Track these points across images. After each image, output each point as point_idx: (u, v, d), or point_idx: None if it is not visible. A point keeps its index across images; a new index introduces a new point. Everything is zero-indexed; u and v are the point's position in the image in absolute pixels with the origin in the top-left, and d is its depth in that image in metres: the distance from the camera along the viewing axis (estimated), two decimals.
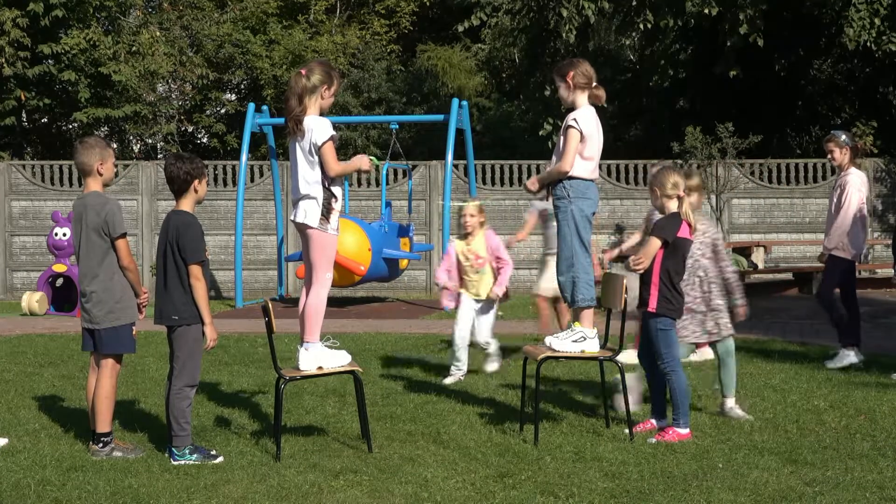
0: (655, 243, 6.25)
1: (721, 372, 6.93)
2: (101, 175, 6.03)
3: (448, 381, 8.36)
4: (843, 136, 8.93)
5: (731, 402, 6.90)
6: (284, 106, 6.13)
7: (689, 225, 6.33)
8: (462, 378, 8.40)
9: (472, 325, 8.53)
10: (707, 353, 8.62)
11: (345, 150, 22.04)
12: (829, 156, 8.95)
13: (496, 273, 8.54)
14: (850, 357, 8.70)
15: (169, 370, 6.01)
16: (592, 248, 6.49)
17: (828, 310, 8.88)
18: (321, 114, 6.10)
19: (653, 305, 6.24)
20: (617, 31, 22.22)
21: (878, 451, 5.89)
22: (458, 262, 8.55)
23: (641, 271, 6.25)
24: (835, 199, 8.86)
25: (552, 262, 7.62)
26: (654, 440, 6.16)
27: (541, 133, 18.98)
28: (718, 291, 6.82)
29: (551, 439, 6.23)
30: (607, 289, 6.60)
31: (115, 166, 6.24)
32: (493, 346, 8.67)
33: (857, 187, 8.74)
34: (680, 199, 6.34)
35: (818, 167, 18.14)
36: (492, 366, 8.77)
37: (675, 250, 6.28)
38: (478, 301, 8.56)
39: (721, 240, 7.02)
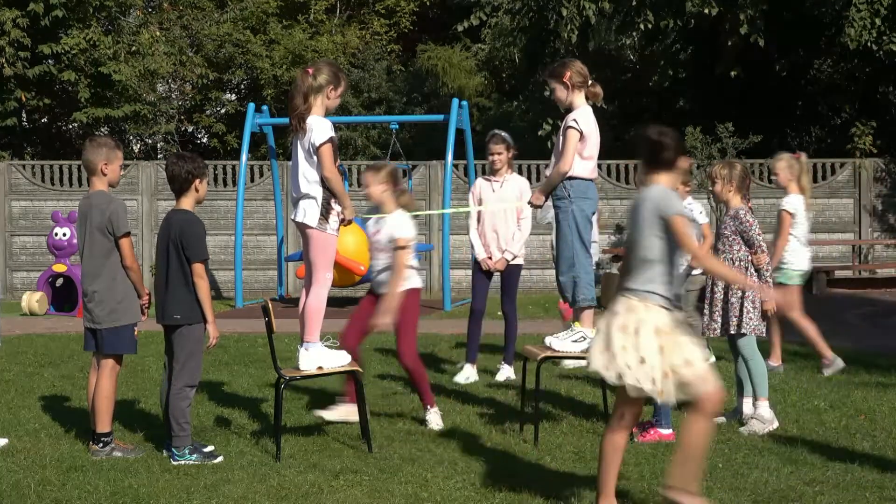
0: None
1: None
2: (104, 175, 6.04)
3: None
4: (509, 138, 8.86)
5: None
6: (289, 104, 6.13)
7: None
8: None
9: None
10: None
11: (345, 150, 22.01)
12: (492, 157, 8.76)
13: None
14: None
15: (169, 370, 6.02)
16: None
17: None
18: (326, 114, 6.10)
19: None
20: (617, 31, 22.17)
21: (878, 451, 5.90)
22: None
23: None
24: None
25: None
26: (637, 440, 6.16)
27: (540, 133, 18.95)
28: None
29: (551, 439, 6.24)
30: (607, 289, 6.61)
31: (122, 168, 6.23)
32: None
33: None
34: None
35: (818, 167, 18.11)
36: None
37: None
38: None
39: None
